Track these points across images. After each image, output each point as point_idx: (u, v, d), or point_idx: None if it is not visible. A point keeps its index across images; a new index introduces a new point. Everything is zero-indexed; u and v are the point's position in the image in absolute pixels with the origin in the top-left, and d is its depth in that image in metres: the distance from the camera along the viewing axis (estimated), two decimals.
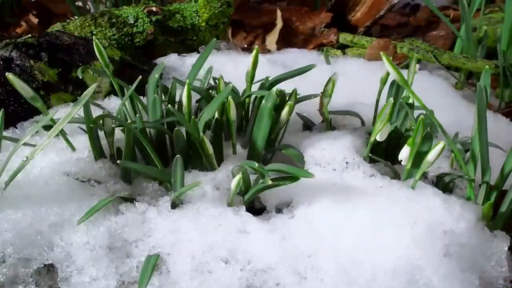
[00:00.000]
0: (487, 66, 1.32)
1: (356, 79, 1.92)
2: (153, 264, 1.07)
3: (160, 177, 1.26)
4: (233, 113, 1.30)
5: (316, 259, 1.11)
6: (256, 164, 1.16)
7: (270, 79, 1.49)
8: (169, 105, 1.36)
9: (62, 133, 1.29)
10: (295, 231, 1.16)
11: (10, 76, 1.16)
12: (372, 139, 1.32)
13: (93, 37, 1.32)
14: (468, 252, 1.13)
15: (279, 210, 1.28)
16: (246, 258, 1.11)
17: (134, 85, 1.35)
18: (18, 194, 1.18)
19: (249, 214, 1.20)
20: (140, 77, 1.38)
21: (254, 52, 1.39)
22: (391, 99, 1.28)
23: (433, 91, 1.91)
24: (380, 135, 1.29)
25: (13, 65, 1.52)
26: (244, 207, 1.21)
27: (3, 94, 1.46)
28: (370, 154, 1.35)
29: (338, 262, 1.10)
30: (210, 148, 1.24)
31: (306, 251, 1.12)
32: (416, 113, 1.43)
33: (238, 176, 1.15)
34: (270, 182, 1.13)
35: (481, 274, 1.12)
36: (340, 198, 1.22)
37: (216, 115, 1.34)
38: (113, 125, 1.30)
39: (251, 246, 1.13)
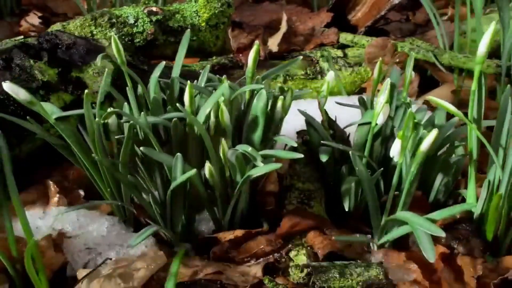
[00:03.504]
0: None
1: None
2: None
3: (168, 163, 1.25)
4: (226, 117, 1.26)
5: None
6: (250, 148, 1.18)
7: (261, 76, 1.47)
8: (169, 105, 1.36)
9: None
10: None
11: (4, 84, 1.16)
12: (373, 123, 1.27)
13: (112, 35, 1.29)
14: None
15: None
16: None
17: (126, 76, 1.32)
18: None
19: None
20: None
21: (254, 47, 1.37)
22: (388, 79, 1.24)
23: None
24: (382, 115, 1.25)
25: (13, 65, 1.52)
26: None
27: (3, 94, 1.46)
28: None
29: None
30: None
31: None
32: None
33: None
34: (262, 165, 1.16)
35: None
36: None
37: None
38: (122, 121, 1.30)
39: None
